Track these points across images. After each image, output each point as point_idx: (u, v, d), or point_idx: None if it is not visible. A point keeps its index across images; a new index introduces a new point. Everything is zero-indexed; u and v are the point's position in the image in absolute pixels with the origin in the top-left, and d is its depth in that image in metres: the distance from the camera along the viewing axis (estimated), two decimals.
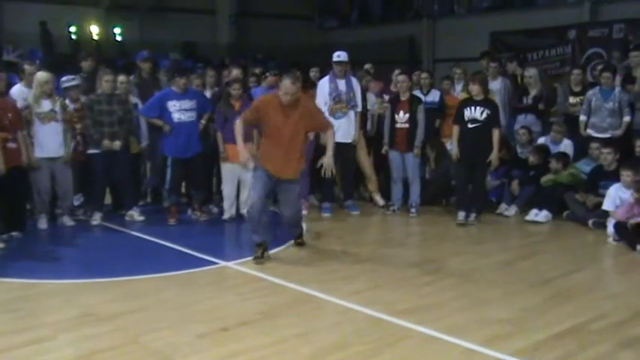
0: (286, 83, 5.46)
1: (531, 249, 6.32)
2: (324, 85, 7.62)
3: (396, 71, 8.32)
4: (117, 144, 7.01)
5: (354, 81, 7.71)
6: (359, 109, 7.66)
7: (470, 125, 7.15)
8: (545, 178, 7.45)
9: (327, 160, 5.78)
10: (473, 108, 7.15)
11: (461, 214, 7.27)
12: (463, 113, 7.20)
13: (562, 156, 7.54)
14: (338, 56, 7.56)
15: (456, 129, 7.30)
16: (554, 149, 7.78)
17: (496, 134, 7.11)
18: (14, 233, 6.43)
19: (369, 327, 4.24)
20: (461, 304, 4.65)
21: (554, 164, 7.44)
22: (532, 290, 4.98)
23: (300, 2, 22.56)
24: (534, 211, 7.32)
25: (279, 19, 21.49)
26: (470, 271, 5.49)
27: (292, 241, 6.29)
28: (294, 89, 5.50)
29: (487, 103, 7.18)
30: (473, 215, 7.25)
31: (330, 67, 7.76)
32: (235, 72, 7.74)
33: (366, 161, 8.07)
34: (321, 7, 23.40)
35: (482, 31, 17.30)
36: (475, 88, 7.15)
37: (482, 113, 7.10)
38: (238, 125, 5.68)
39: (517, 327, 4.20)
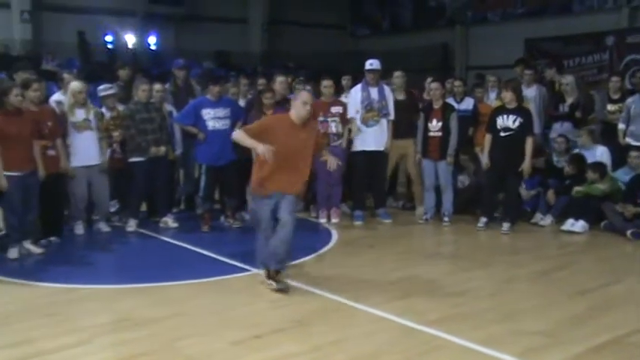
0: (304, 94, 5.26)
1: (568, 259, 6.21)
2: (355, 94, 7.63)
3: (429, 79, 8.29)
4: (162, 149, 7.16)
5: (387, 89, 7.70)
6: (391, 117, 7.64)
7: (502, 134, 7.08)
8: (577, 190, 7.29)
9: (330, 158, 5.48)
10: (505, 116, 7.08)
11: (482, 220, 7.25)
12: (495, 121, 7.13)
13: (598, 166, 7.38)
14: (371, 64, 7.56)
15: (488, 137, 7.24)
16: (587, 156, 7.64)
17: (529, 142, 7.02)
18: (52, 238, 6.57)
19: (402, 336, 4.21)
20: (495, 314, 4.59)
21: (590, 175, 7.29)
22: (569, 301, 4.89)
23: (332, 10, 22.65)
24: (570, 220, 7.19)
25: (311, 27, 21.60)
26: (504, 281, 5.42)
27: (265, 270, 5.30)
28: (312, 99, 5.35)
29: (520, 111, 7.10)
30: (506, 225, 7.16)
31: (362, 75, 7.76)
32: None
33: (413, 168, 8.02)
34: (353, 15, 23.45)
35: (516, 38, 17.13)
36: (508, 96, 7.08)
37: (514, 121, 7.03)
38: (241, 135, 5.16)
39: (554, 339, 4.13)
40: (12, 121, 5.86)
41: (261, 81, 8.08)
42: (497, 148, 7.13)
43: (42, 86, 6.47)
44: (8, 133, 5.81)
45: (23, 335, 4.17)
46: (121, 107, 7.37)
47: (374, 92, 7.54)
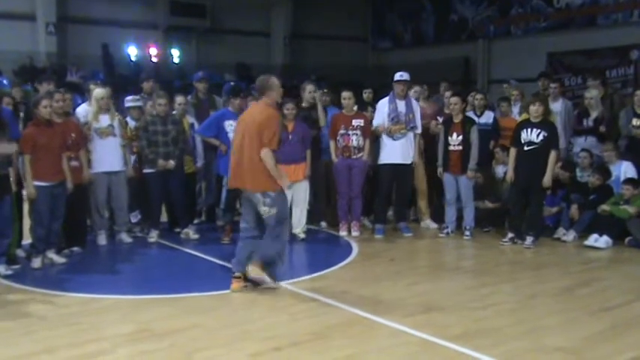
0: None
1: (591, 275, 6.12)
2: (383, 106, 7.61)
3: (447, 93, 8.25)
4: (171, 163, 7.14)
5: (414, 102, 7.68)
6: (418, 130, 7.62)
7: (526, 148, 7.03)
8: (603, 209, 7.18)
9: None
10: (529, 130, 7.03)
11: (508, 236, 7.22)
12: (520, 135, 7.08)
13: (635, 182, 7.23)
14: (400, 75, 7.53)
15: (512, 151, 7.19)
16: (612, 171, 7.54)
17: (552, 156, 6.96)
18: (75, 249, 6.64)
19: (422, 351, 4.17)
20: (518, 330, 4.53)
21: (630, 191, 7.14)
22: (593, 318, 4.81)
23: (354, 24, 22.74)
24: (594, 236, 7.09)
25: (332, 40, 21.69)
26: (527, 297, 5.35)
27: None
28: None
29: (544, 125, 7.04)
30: (530, 240, 7.09)
31: (383, 88, 7.76)
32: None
33: (420, 181, 8.02)
34: (375, 29, 23.51)
35: (539, 51, 17.04)
36: (541, 109, 7.02)
37: (538, 135, 6.97)
38: (270, 159, 5.23)
39: (577, 356, 4.06)
40: (43, 131, 5.98)
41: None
42: (521, 163, 7.08)
43: (66, 97, 6.56)
44: (39, 143, 5.92)
45: (45, 344, 4.21)
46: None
47: (401, 105, 7.52)
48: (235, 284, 5.41)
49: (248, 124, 5.32)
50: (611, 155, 7.66)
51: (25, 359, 3.98)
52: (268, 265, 5.39)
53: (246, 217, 5.52)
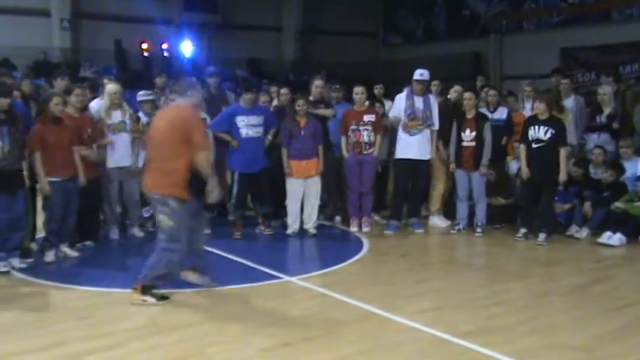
0: None
1: (604, 273, 6.08)
2: (400, 101, 7.60)
3: (457, 87, 8.19)
4: None
5: (432, 99, 7.65)
6: (435, 127, 7.59)
7: (534, 145, 7.02)
8: (617, 206, 7.13)
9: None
10: (537, 127, 7.01)
11: (521, 231, 7.19)
12: (528, 132, 7.06)
13: None
14: (421, 74, 7.49)
15: (522, 148, 7.17)
16: (627, 167, 7.48)
17: (563, 153, 6.93)
18: (88, 243, 6.69)
19: (432, 347, 4.17)
20: (529, 327, 4.51)
21: None
22: (605, 316, 4.78)
23: (365, 19, 22.66)
24: (608, 233, 7.04)
25: (343, 35, 21.63)
26: (538, 294, 5.32)
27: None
28: None
29: (552, 122, 7.02)
30: (542, 236, 7.05)
31: (394, 83, 7.74)
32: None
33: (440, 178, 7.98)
34: (386, 24, 23.41)
35: (552, 47, 16.89)
36: (541, 107, 7.01)
37: (546, 133, 6.95)
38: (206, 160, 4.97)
39: (589, 355, 4.04)
40: (51, 129, 5.99)
41: (283, 90, 8.09)
42: (530, 161, 7.07)
43: (84, 93, 6.59)
44: (47, 140, 5.95)
45: (57, 337, 4.25)
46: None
47: (419, 101, 7.50)
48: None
49: (165, 124, 4.92)
50: (628, 152, 7.61)
51: (37, 353, 4.02)
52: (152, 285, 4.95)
53: None
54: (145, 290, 4.87)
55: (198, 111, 5.19)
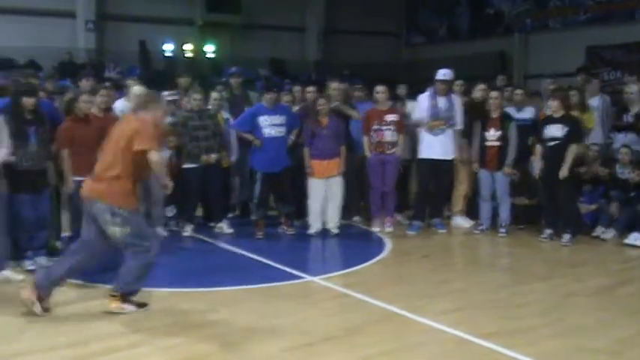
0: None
1: (630, 275, 5.98)
2: (423, 101, 7.57)
3: (481, 85, 8.12)
4: (213, 157, 7.24)
5: (455, 99, 7.61)
6: (458, 127, 7.54)
7: (549, 143, 6.94)
8: None
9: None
10: (552, 125, 6.97)
11: (546, 232, 7.11)
12: (543, 131, 7.00)
13: None
14: (444, 75, 7.46)
15: (538, 147, 7.10)
16: None
17: (571, 149, 6.86)
18: None
19: (455, 348, 4.14)
20: (553, 330, 4.45)
21: None
22: (631, 319, 4.70)
23: (388, 19, 22.58)
24: (634, 234, 6.92)
25: (366, 35, 21.59)
26: (563, 296, 5.25)
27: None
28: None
29: (567, 119, 6.95)
30: (567, 237, 6.96)
31: (417, 83, 7.71)
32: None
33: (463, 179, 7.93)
34: (409, 24, 23.32)
35: (578, 45, 16.68)
36: (554, 105, 6.95)
37: (560, 130, 6.87)
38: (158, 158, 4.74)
39: (614, 358, 3.98)
40: (80, 127, 6.06)
41: (310, 88, 8.10)
42: (546, 158, 7.02)
43: (110, 93, 6.65)
44: (76, 138, 6.01)
45: (81, 336, 4.28)
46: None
47: (442, 101, 7.46)
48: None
49: (118, 132, 4.72)
50: None
51: (61, 350, 4.06)
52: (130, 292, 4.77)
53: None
54: (125, 298, 4.73)
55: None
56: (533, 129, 7.87)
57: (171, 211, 7.88)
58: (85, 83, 7.26)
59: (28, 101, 5.69)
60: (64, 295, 5.03)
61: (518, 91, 8.14)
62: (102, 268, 5.11)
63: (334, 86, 7.82)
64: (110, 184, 4.60)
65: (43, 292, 4.65)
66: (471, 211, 8.00)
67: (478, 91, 8.05)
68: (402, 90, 8.76)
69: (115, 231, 4.60)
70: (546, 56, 17.71)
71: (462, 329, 4.37)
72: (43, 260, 5.89)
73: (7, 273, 5.54)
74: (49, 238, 6.14)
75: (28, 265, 5.80)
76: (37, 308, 4.60)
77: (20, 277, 5.55)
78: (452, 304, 5.01)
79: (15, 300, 4.72)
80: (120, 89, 7.89)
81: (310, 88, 8.08)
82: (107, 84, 7.04)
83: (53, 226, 6.24)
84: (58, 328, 4.44)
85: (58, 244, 6.45)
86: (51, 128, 5.96)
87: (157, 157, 4.60)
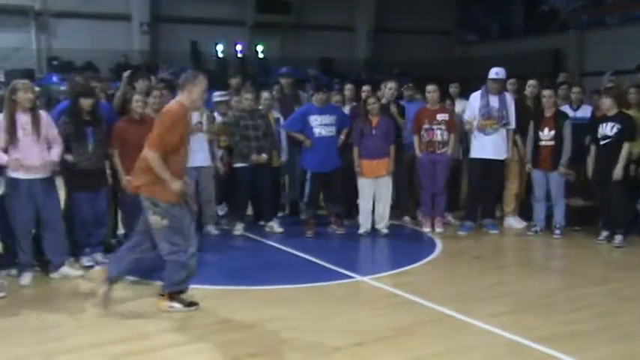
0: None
1: None
2: (474, 100, 7.47)
3: (532, 82, 7.94)
4: (263, 157, 7.30)
5: (509, 97, 7.48)
6: (512, 126, 7.42)
7: (602, 142, 6.77)
8: None
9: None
10: (604, 124, 6.79)
11: (603, 234, 6.94)
12: (597, 130, 6.82)
13: None
14: (496, 74, 7.35)
15: (592, 146, 6.91)
16: None
17: (625, 148, 6.66)
18: None
19: (508, 352, 4.07)
20: (610, 335, 4.32)
21: None
22: None
23: (439, 17, 22.37)
24: None
25: (417, 34, 21.44)
26: (620, 300, 5.09)
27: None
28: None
29: (619, 117, 6.75)
30: (618, 238, 6.75)
31: (470, 82, 7.59)
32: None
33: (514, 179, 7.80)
34: (461, 21, 23.03)
35: (637, 41, 16.14)
36: (607, 103, 6.77)
37: (612, 129, 6.70)
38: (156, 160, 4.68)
39: None
40: (133, 127, 6.16)
41: (366, 87, 8.07)
42: (598, 157, 6.87)
43: (162, 94, 6.74)
44: (129, 139, 6.12)
45: (136, 331, 4.40)
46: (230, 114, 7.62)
47: (494, 100, 7.35)
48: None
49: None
50: None
51: (117, 345, 4.17)
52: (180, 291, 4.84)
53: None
54: (172, 297, 4.82)
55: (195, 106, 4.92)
56: (589, 128, 7.67)
57: (222, 210, 7.99)
58: (142, 84, 7.41)
59: (85, 102, 5.86)
60: (119, 292, 5.15)
61: (575, 89, 7.92)
62: (152, 266, 5.20)
63: (391, 85, 7.77)
64: (148, 176, 4.68)
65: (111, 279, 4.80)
66: (524, 212, 7.84)
67: (528, 87, 7.90)
68: (454, 89, 8.67)
69: (156, 220, 4.68)
70: (604, 53, 17.22)
71: (516, 332, 4.29)
72: (99, 257, 6.06)
73: (66, 269, 5.72)
74: (106, 236, 6.32)
75: (86, 261, 5.99)
76: (103, 289, 4.76)
77: (79, 272, 5.74)
78: (505, 306, 4.92)
79: (68, 297, 4.86)
80: (173, 90, 8.03)
81: (365, 87, 8.06)
82: (160, 84, 7.16)
83: (109, 224, 6.42)
84: (105, 325, 4.54)
85: (114, 241, 6.63)
86: (108, 129, 6.11)
87: (152, 155, 4.61)
